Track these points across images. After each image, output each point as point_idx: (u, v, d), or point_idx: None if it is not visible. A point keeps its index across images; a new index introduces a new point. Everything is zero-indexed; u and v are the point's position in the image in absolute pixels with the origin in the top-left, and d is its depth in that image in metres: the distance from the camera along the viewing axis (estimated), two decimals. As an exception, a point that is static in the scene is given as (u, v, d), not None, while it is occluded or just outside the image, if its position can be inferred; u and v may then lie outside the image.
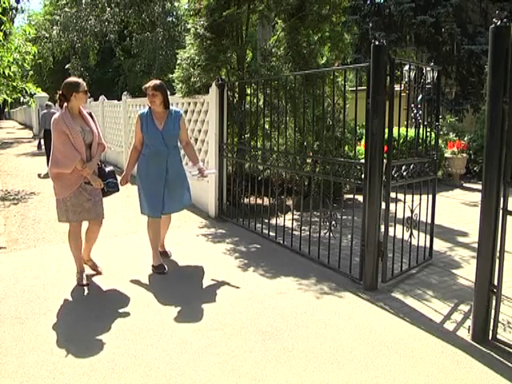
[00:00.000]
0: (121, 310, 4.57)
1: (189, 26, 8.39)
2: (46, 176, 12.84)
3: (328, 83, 6.97)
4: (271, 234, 6.96)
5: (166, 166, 5.55)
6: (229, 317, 4.44)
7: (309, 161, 6.71)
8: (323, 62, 8.82)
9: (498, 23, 3.80)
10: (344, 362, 3.68)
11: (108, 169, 5.35)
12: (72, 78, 5.24)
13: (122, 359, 3.70)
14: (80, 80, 5.16)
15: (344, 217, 5.71)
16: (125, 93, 14.46)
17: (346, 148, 8.49)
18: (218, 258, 6.21)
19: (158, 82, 5.58)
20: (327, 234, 5.67)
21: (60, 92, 5.05)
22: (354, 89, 5.78)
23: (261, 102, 7.43)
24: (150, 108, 5.61)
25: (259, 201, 8.12)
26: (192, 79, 8.13)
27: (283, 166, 6.69)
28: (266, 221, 7.33)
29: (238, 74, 8.32)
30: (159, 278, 5.43)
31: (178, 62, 8.42)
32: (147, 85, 5.57)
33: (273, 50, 8.55)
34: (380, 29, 18.30)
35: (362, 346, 3.92)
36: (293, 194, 8.81)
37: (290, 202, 8.76)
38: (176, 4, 30.26)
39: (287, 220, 7.01)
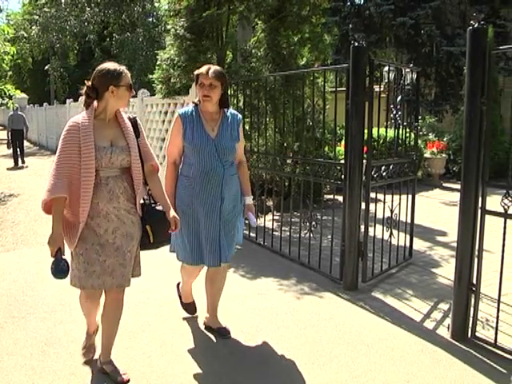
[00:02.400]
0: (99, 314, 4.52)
1: (169, 27, 8.36)
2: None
3: (308, 84, 6.98)
4: (251, 234, 6.95)
5: (220, 194, 3.79)
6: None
7: (289, 161, 6.72)
8: (303, 62, 8.84)
9: (476, 25, 3.83)
10: (324, 361, 3.68)
11: (159, 207, 3.44)
12: (109, 64, 3.20)
13: (101, 362, 3.66)
14: (122, 68, 3.20)
15: (324, 217, 5.73)
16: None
17: (326, 149, 8.52)
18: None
19: (218, 67, 3.85)
20: (307, 234, 5.69)
21: (88, 84, 3.16)
22: (334, 90, 5.80)
23: (241, 103, 7.42)
24: (195, 106, 3.91)
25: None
26: (172, 80, 8.10)
27: (263, 166, 6.69)
28: (247, 222, 7.31)
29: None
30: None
31: (158, 62, 8.40)
32: (201, 70, 3.79)
33: (253, 51, 8.55)
34: (360, 30, 18.39)
35: (343, 345, 3.93)
36: (273, 195, 8.82)
37: (270, 203, 8.76)
38: (156, 4, 30.19)
39: (267, 221, 7.01)
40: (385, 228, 5.48)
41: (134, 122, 3.32)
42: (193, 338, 4.03)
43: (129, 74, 3.21)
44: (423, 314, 4.53)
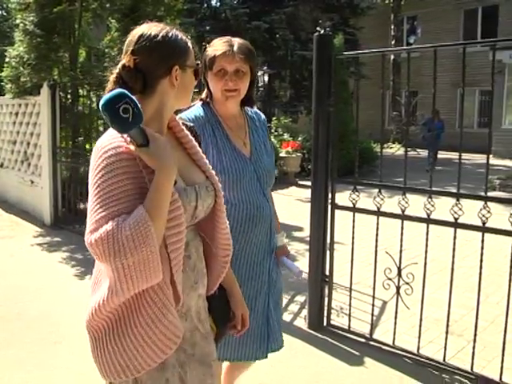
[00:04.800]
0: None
1: (17, 22, 7.92)
2: None
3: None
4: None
5: (269, 245, 2.52)
6: (68, 329, 4.24)
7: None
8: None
9: (322, 32, 4.05)
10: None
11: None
12: (157, 28, 1.67)
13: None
14: (188, 38, 1.75)
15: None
16: None
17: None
18: (55, 267, 5.93)
19: (243, 41, 2.41)
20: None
21: (127, 64, 1.62)
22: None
23: (94, 104, 7.23)
24: (206, 105, 2.45)
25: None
26: (22, 79, 7.72)
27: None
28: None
29: (71, 74, 8.01)
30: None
31: (7, 59, 7.93)
32: (217, 46, 2.36)
33: (106, 51, 8.36)
34: (216, 32, 18.60)
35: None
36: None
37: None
38: (6, -4, 28.35)
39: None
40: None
41: (194, 133, 1.90)
42: None
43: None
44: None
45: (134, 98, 1.43)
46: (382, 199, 3.74)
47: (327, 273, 4.20)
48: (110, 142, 1.53)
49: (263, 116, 2.67)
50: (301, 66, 18.48)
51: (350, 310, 4.10)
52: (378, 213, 3.78)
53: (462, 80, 3.51)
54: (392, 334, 3.84)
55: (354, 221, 3.95)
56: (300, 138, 13.91)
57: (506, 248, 3.30)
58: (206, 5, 20.27)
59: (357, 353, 3.85)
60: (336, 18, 18.65)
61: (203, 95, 2.47)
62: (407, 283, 3.59)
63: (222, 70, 2.33)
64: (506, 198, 4.62)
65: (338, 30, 16.97)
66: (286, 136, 13.94)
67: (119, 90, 1.44)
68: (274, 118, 15.96)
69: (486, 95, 22.06)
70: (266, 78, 5.71)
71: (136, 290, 1.48)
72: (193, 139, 1.82)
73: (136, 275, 1.44)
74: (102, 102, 1.42)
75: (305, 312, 4.44)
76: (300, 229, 7.70)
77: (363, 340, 4.02)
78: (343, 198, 4.03)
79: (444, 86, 19.22)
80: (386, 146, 19.36)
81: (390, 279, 3.67)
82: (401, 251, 3.69)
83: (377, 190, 3.76)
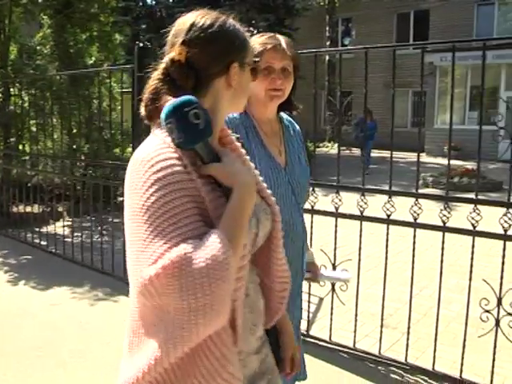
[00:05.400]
0: None
1: None
2: None
3: (96, 84, 6.81)
4: (43, 243, 6.57)
5: (301, 267, 2.22)
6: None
7: (79, 164, 6.51)
8: (91, 62, 8.60)
9: (255, 32, 4.02)
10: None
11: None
12: (209, 16, 1.39)
13: None
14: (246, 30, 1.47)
15: (119, 220, 5.63)
16: None
17: (118, 150, 8.39)
18: (-17, 273, 5.69)
19: (286, 38, 2.18)
20: (99, 238, 5.56)
21: (175, 58, 1.30)
22: (124, 90, 5.76)
23: (26, 104, 7.00)
24: (244, 113, 2.05)
25: (30, 209, 7.64)
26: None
27: (52, 170, 6.39)
28: (38, 229, 6.92)
29: (1, 72, 7.73)
30: None
31: None
32: (261, 40, 2.11)
33: (38, 48, 8.12)
34: (152, 31, 18.43)
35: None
36: (62, 200, 8.45)
37: (61, 209, 8.38)
38: None
39: (60, 227, 6.69)
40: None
41: (242, 145, 1.56)
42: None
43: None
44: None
45: (200, 104, 1.24)
46: (316, 197, 3.77)
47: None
48: (156, 152, 1.22)
49: (298, 126, 2.35)
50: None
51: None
52: (312, 211, 3.80)
53: (392, 80, 3.58)
54: (329, 330, 3.89)
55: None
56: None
57: (438, 243, 3.38)
58: (141, 3, 20.01)
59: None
60: (272, 19, 18.75)
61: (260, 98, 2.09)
62: (342, 279, 3.63)
63: (269, 68, 2.04)
64: (436, 194, 4.74)
65: (273, 30, 17.07)
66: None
67: (187, 96, 1.23)
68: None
69: (418, 96, 22.69)
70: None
71: (201, 338, 1.15)
72: (245, 152, 1.52)
73: (205, 320, 1.10)
74: (167, 108, 1.22)
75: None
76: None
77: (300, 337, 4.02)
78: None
79: (378, 87, 19.64)
80: (321, 145, 19.64)
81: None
82: (335, 248, 3.73)
83: (311, 189, 3.78)
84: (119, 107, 6.82)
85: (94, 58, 8.69)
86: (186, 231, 1.15)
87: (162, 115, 1.23)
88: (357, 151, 16.83)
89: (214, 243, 1.13)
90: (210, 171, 1.26)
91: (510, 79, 18.84)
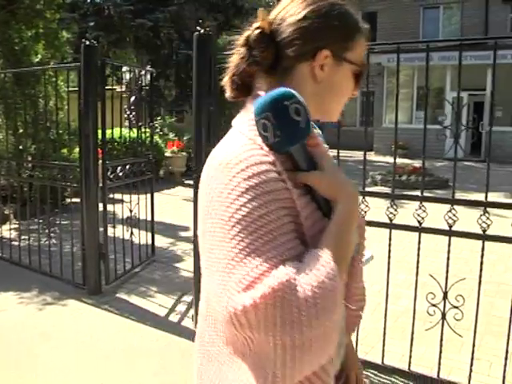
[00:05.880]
0: None
1: None
2: None
3: (42, 83, 6.62)
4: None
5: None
6: None
7: (29, 165, 6.32)
8: (38, 60, 8.34)
9: (202, 31, 3.99)
10: (71, 370, 3.55)
11: None
12: None
13: None
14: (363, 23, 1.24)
15: (67, 222, 5.52)
16: None
17: (66, 150, 8.18)
18: None
19: None
20: (47, 241, 5.42)
21: (261, 26, 1.13)
22: (71, 89, 5.62)
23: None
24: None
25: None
26: None
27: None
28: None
29: None
30: None
31: None
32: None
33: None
34: (100, 29, 18.11)
35: (88, 351, 3.82)
36: (9, 202, 8.19)
37: (9, 211, 8.11)
38: None
39: (6, 230, 6.47)
40: (126, 228, 5.45)
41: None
42: None
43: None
44: (168, 308, 4.65)
45: (302, 99, 1.02)
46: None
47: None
48: (247, 154, 1.01)
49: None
50: (186, 65, 18.37)
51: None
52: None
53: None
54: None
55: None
56: (185, 138, 13.83)
57: (386, 239, 3.40)
58: (89, 0, 19.60)
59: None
60: (221, 18, 18.71)
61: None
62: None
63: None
64: (383, 192, 4.80)
65: (222, 30, 17.04)
66: (171, 135, 13.81)
67: (285, 88, 1.02)
68: (159, 118, 15.77)
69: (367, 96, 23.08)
70: (150, 77, 5.64)
71: (301, 377, 0.98)
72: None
73: (311, 356, 0.94)
74: (263, 99, 1.02)
75: (192, 312, 4.39)
76: (186, 228, 7.62)
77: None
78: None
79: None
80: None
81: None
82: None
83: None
84: (66, 107, 6.65)
85: (40, 56, 8.43)
86: (284, 251, 0.96)
87: (255, 107, 1.02)
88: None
89: (320, 267, 0.95)
90: (309, 180, 1.06)
91: (455, 80, 19.34)
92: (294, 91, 1.01)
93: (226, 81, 1.18)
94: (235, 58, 1.16)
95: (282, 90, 1.01)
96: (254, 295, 0.89)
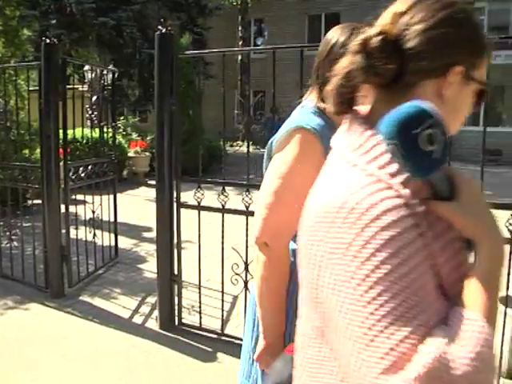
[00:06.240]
0: None
1: None
2: None
3: (3, 82, 6.51)
4: None
5: None
6: None
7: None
8: (-3, 58, 8.23)
9: (164, 30, 4.01)
10: (33, 374, 3.54)
11: None
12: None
13: None
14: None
15: (29, 224, 5.47)
16: None
17: (27, 151, 8.07)
18: None
19: None
20: (8, 244, 5.36)
21: (384, 35, 0.94)
22: (32, 89, 5.56)
23: None
24: (320, 113, 1.71)
25: None
26: None
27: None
28: None
29: None
30: None
31: None
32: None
33: None
34: (62, 27, 17.82)
35: (51, 355, 3.81)
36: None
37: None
38: None
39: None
40: (88, 229, 5.43)
41: None
42: None
43: None
44: (132, 309, 4.66)
45: (440, 117, 0.83)
46: (227, 196, 3.82)
47: (176, 272, 4.19)
48: (375, 198, 0.84)
49: None
50: (149, 65, 18.20)
51: (200, 307, 4.14)
52: (223, 210, 3.87)
53: (300, 80, 3.67)
54: (243, 328, 3.92)
55: (199, 219, 4.02)
56: (149, 138, 13.76)
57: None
58: (50, -3, 19.24)
59: (209, 349, 3.92)
60: (184, 18, 18.66)
61: (315, 101, 1.75)
62: (255, 277, 3.70)
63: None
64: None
65: (185, 29, 16.99)
66: (134, 135, 13.73)
67: (418, 104, 0.83)
68: (122, 118, 15.64)
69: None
70: (112, 76, 5.62)
71: None
72: None
73: None
74: (388, 123, 0.84)
75: (156, 313, 4.41)
76: (149, 229, 7.61)
77: (215, 336, 4.08)
78: (191, 196, 4.03)
79: (290, 86, 19.97)
80: (235, 144, 19.69)
81: (237, 274, 3.77)
82: (247, 247, 3.78)
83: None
84: (27, 106, 6.57)
85: (0, 54, 8.31)
86: (431, 315, 0.81)
87: (383, 129, 0.86)
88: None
89: (475, 333, 0.80)
90: (443, 212, 0.89)
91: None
92: (430, 107, 0.83)
93: (329, 91, 1.00)
94: (345, 67, 0.96)
95: (411, 110, 0.83)
96: (407, 377, 0.75)
